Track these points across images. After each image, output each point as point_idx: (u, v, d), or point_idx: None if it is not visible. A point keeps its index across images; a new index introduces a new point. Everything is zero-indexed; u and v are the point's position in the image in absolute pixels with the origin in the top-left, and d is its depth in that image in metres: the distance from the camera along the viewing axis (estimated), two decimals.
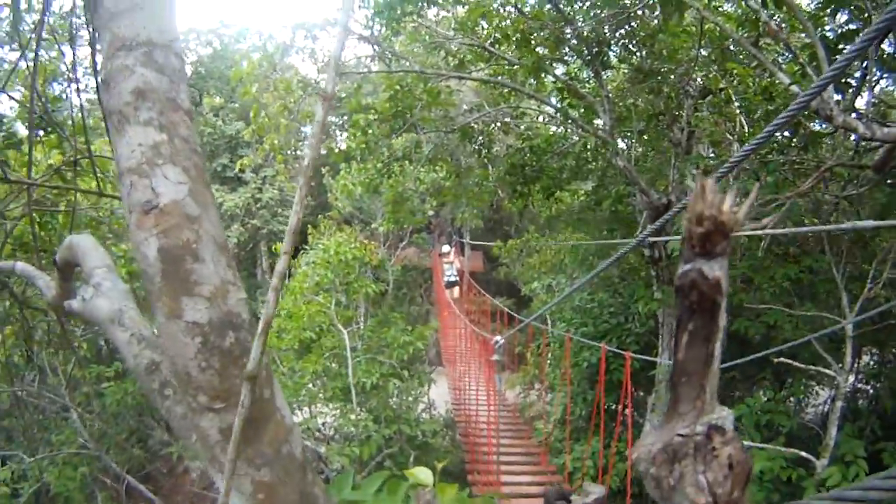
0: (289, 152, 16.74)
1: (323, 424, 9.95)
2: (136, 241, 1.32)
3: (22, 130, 5.42)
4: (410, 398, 9.93)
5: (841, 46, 5.51)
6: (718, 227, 0.70)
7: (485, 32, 8.40)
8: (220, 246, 1.33)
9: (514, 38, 7.51)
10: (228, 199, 21.94)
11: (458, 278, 18.60)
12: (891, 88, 8.94)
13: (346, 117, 13.77)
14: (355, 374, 9.01)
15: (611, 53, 8.55)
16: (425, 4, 8.33)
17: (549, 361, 11.52)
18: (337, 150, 10.44)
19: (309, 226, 16.27)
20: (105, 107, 1.49)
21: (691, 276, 0.70)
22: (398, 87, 8.43)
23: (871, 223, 2.81)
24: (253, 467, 1.28)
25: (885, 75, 6.15)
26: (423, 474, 2.28)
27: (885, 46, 5.46)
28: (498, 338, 6.69)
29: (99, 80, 1.63)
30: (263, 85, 8.79)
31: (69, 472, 7.73)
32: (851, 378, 7.99)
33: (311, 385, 9.87)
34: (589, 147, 9.71)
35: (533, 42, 7.47)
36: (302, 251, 13.77)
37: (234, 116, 23.15)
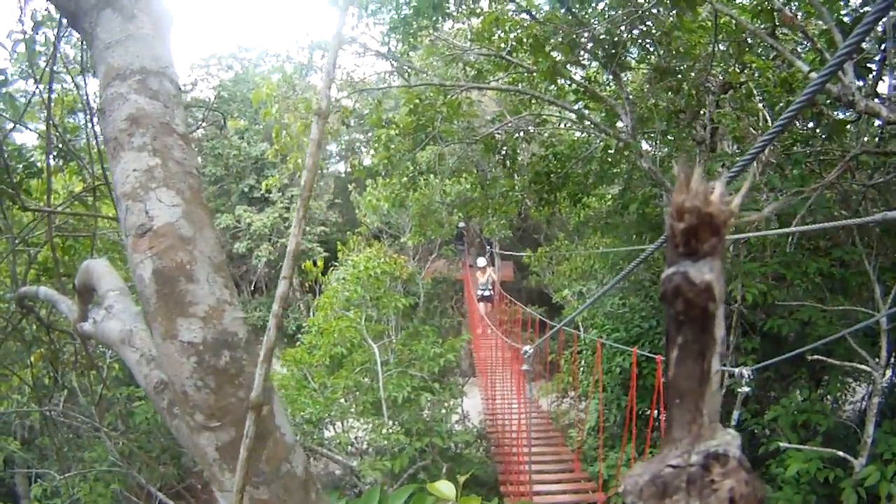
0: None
1: (356, 439, 10.00)
2: (133, 265, 1.34)
3: (43, 160, 5.62)
4: (442, 410, 9.90)
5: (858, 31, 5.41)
6: (705, 221, 0.60)
7: (501, 41, 8.42)
8: (216, 266, 1.34)
9: (527, 44, 7.49)
10: (256, 219, 22.25)
11: (491, 292, 18.42)
12: None
13: (370, 134, 13.89)
14: (386, 388, 9.04)
15: (628, 54, 8.50)
16: (440, 18, 8.39)
17: (581, 368, 11.41)
18: (359, 167, 10.50)
19: (338, 242, 16.39)
20: (103, 135, 1.53)
21: (675, 282, 0.60)
22: (417, 101, 8.48)
23: None
24: (251, 486, 1.27)
25: None
26: (445, 488, 2.26)
27: None
28: (527, 347, 6.64)
29: (96, 109, 1.67)
30: (284, 105, 8.89)
31: (100, 489, 7.87)
32: (889, 373, 7.78)
33: (342, 400, 9.92)
34: (612, 150, 9.64)
35: (547, 47, 7.44)
36: (332, 267, 13.89)
37: (258, 138, 23.52)
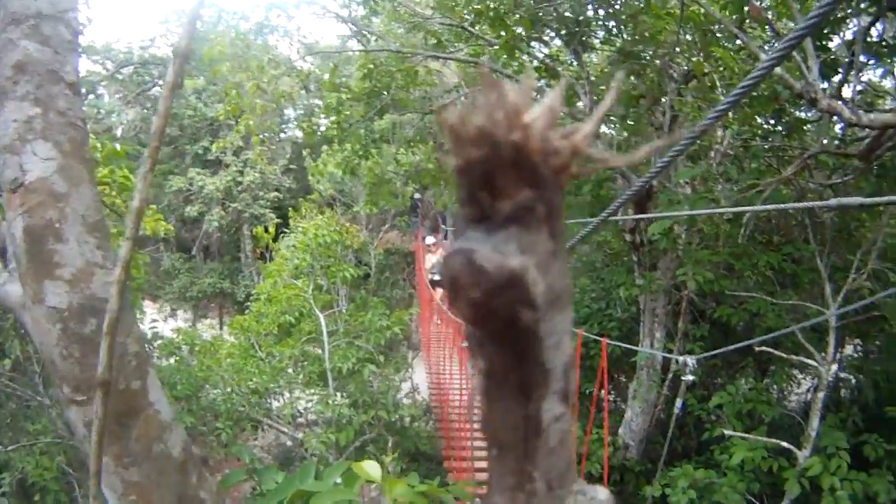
0: (269, 134, 16.55)
1: (303, 410, 9.93)
2: (7, 222, 1.23)
3: None
4: (388, 383, 9.87)
5: (826, 32, 5.43)
6: (510, 157, 0.34)
7: (462, 11, 8.27)
8: (90, 225, 1.22)
9: (487, 16, 7.38)
10: (209, 182, 21.77)
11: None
12: (878, 79, 8.87)
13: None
14: (332, 359, 8.95)
15: (592, 35, 8.43)
16: None
17: None
18: (310, 131, 10.26)
19: (290, 209, 16.12)
20: None
21: (452, 268, 0.35)
22: (372, 66, 8.29)
23: (857, 199, 2.72)
24: (121, 466, 1.16)
25: (871, 62, 6.07)
26: (371, 468, 2.21)
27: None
28: None
29: None
30: (236, 65, 8.62)
31: (46, 462, 7.63)
32: (834, 367, 7.98)
33: (290, 370, 9.83)
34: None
35: (509, 21, 7.33)
36: (283, 234, 13.67)
37: (215, 99, 22.93)
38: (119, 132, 23.58)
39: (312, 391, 9.28)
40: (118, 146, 5.95)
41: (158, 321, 13.36)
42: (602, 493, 0.49)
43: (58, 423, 7.50)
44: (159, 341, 9.54)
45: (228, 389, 8.65)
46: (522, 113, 0.35)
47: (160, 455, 1.25)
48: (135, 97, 23.49)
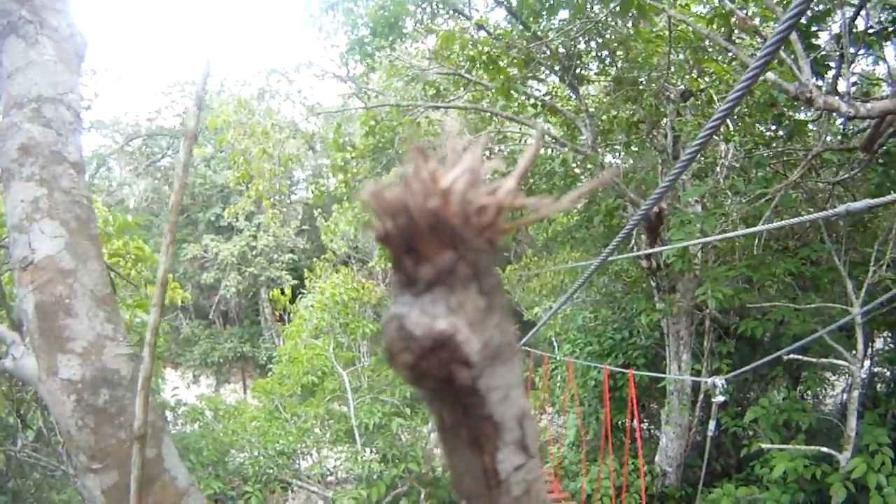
0: (279, 198, 16.74)
1: (332, 468, 9.84)
2: (19, 299, 1.25)
3: None
4: (416, 435, 9.77)
5: (814, 29, 5.46)
6: (429, 224, 0.35)
7: (457, 59, 8.41)
8: (99, 299, 1.24)
9: (481, 61, 7.49)
10: (224, 248, 22.01)
11: None
12: (871, 67, 8.90)
13: None
14: (358, 416, 8.89)
15: (586, 67, 8.53)
16: (396, 38, 8.36)
17: (557, 384, 11.36)
18: (319, 192, 10.40)
19: (305, 269, 16.23)
20: None
21: (388, 333, 0.36)
22: (373, 122, 8.42)
23: (865, 202, 2.69)
24: None
25: (861, 53, 6.09)
26: None
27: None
28: None
29: None
30: (240, 131, 8.78)
31: None
32: (867, 363, 7.81)
33: (316, 429, 9.76)
34: (574, 164, 9.66)
35: (503, 63, 7.43)
36: (300, 295, 13.73)
37: (224, 165, 23.33)
38: (131, 203, 24.02)
39: (340, 448, 9.20)
40: (130, 218, 6.05)
41: (181, 388, 13.37)
42: None
43: (83, 492, 7.45)
44: (183, 408, 9.53)
45: (255, 452, 8.61)
46: (439, 179, 0.35)
47: None
48: (145, 169, 23.98)
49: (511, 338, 0.38)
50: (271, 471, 8.58)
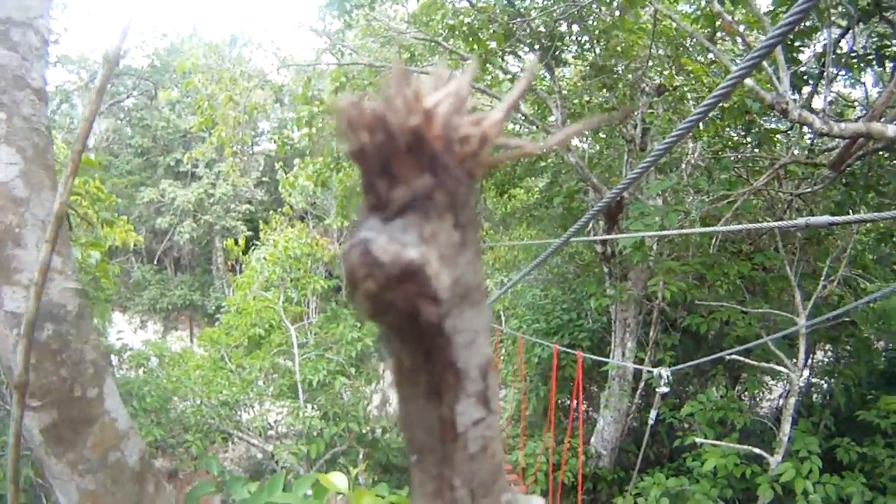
0: (241, 147, 16.44)
1: (273, 422, 9.85)
2: None
3: None
4: (359, 395, 9.82)
5: (798, 45, 5.54)
6: (406, 142, 0.33)
7: (436, 26, 8.32)
8: None
9: (461, 31, 7.43)
10: (181, 194, 21.62)
11: None
12: (848, 91, 9.08)
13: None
14: (302, 371, 8.89)
15: (565, 50, 8.52)
16: None
17: (502, 358, 11.51)
18: (282, 144, 10.23)
19: (261, 221, 16.04)
20: None
21: (350, 259, 0.33)
22: (344, 79, 8.30)
23: (826, 218, 2.75)
24: (76, 473, 1.15)
25: (841, 73, 6.21)
26: (338, 480, 2.21)
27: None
28: None
29: None
30: (208, 76, 8.58)
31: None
32: (806, 373, 8.07)
33: (260, 382, 9.75)
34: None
35: (483, 35, 7.38)
36: (253, 246, 13.59)
37: (189, 110, 22.80)
38: (91, 142, 23.36)
39: (283, 403, 9.21)
40: (92, 156, 5.90)
41: (127, 332, 13.16)
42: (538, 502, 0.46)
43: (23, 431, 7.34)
44: (128, 352, 9.40)
45: (198, 401, 8.55)
46: (422, 98, 0.33)
47: (116, 464, 1.23)
48: (108, 108, 23.27)
49: (482, 279, 0.36)
50: (213, 421, 8.54)
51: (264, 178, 23.60)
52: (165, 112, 23.04)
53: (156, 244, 23.47)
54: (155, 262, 23.97)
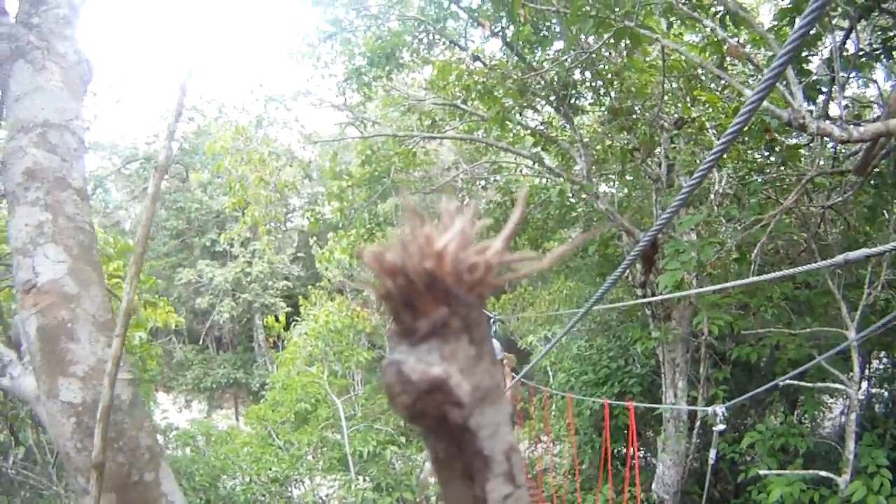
0: (275, 224, 16.77)
1: (325, 496, 9.75)
2: (21, 321, 1.27)
3: None
4: (411, 464, 9.70)
5: (805, 55, 5.53)
6: (424, 283, 0.40)
7: (453, 89, 8.51)
8: (101, 325, 1.26)
9: (476, 91, 7.58)
10: (218, 273, 22.00)
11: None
12: (861, 91, 9.00)
13: None
14: (352, 444, 8.83)
15: (580, 97, 8.62)
16: (393, 68, 8.46)
17: (553, 413, 11.32)
18: (314, 220, 10.43)
19: (300, 297, 16.20)
20: (4, 188, 1.47)
21: (387, 377, 0.40)
22: (370, 152, 8.49)
23: (863, 252, 2.71)
24: None
25: (852, 76, 6.17)
26: None
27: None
28: None
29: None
30: (237, 158, 8.84)
31: None
32: (864, 385, 7.78)
33: (309, 457, 9.69)
34: (570, 194, 9.72)
35: (498, 93, 7.52)
36: (293, 322, 13.71)
37: (221, 191, 23.41)
38: (127, 226, 24.07)
39: (334, 477, 9.12)
40: (131, 242, 6.08)
41: (171, 412, 13.24)
42: None
43: None
44: (174, 432, 9.46)
45: (247, 479, 8.52)
46: (433, 242, 0.40)
47: None
48: (141, 192, 24.06)
49: (499, 381, 0.42)
50: (264, 498, 8.50)
51: (300, 254, 23.93)
52: (198, 194, 23.69)
53: (196, 324, 23.79)
54: (197, 343, 24.25)
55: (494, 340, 7.48)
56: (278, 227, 21.65)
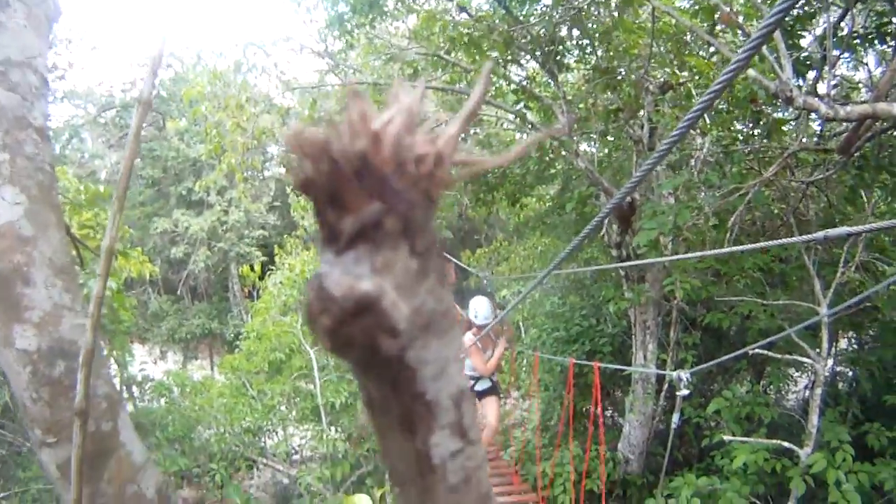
0: (252, 172, 16.54)
1: (297, 447, 9.84)
2: None
3: None
4: None
5: (798, 29, 5.50)
6: (354, 170, 0.31)
7: (437, 40, 8.36)
8: (58, 269, 1.21)
9: (462, 43, 7.45)
10: (194, 223, 21.77)
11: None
12: (851, 72, 8.99)
13: None
14: (324, 394, 8.87)
15: (567, 54, 8.51)
16: (377, 16, 8.28)
17: (523, 368, 11.44)
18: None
19: (276, 246, 16.09)
20: None
21: (310, 292, 0.32)
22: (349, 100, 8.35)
23: (843, 229, 2.71)
24: None
25: (845, 56, 6.15)
26: (363, 501, 2.21)
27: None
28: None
29: None
30: (214, 104, 8.66)
31: None
32: (830, 362, 7.95)
33: (282, 407, 9.74)
34: (550, 150, 9.65)
35: (484, 45, 7.40)
36: (269, 271, 13.64)
37: (198, 139, 23.03)
38: (103, 175, 23.62)
39: (306, 427, 9.20)
40: (102, 188, 5.95)
41: (148, 363, 13.22)
42: None
43: (41, 466, 7.38)
44: (150, 383, 9.44)
45: (221, 429, 8.56)
46: (369, 119, 0.32)
47: (134, 496, 1.22)
48: (118, 140, 23.57)
49: (449, 307, 0.34)
50: (237, 448, 8.55)
51: (276, 203, 23.71)
52: (175, 142, 23.26)
53: (172, 274, 23.62)
54: (171, 293, 24.12)
55: (487, 301, 7.05)
56: (255, 176, 21.38)
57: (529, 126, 8.90)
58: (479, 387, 7.25)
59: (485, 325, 6.34)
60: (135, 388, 9.09)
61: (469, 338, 6.64)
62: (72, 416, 1.08)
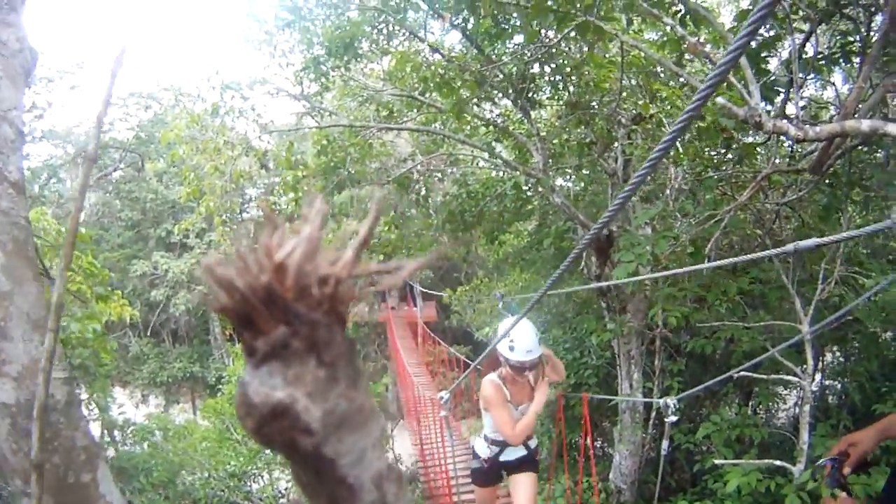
0: (230, 215, 16.53)
1: (284, 490, 9.71)
2: None
3: None
4: None
5: (764, 55, 5.64)
6: (262, 300, 0.36)
7: (411, 80, 8.47)
8: (35, 322, 1.23)
9: (434, 82, 7.56)
10: (174, 265, 21.66)
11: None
12: (818, 92, 9.21)
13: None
14: None
15: (538, 91, 8.65)
16: (352, 58, 8.38)
17: None
18: (269, 209, 10.28)
19: None
20: None
21: (237, 396, 0.37)
22: (325, 142, 8.43)
23: (813, 241, 2.76)
24: None
25: (811, 78, 6.30)
26: None
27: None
28: (443, 393, 6.32)
29: None
30: (192, 147, 8.69)
31: None
32: (818, 377, 7.98)
33: (267, 452, 9.62)
34: (527, 187, 9.75)
35: (456, 84, 7.51)
36: None
37: (176, 181, 23.03)
38: (82, 216, 23.43)
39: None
40: (83, 230, 5.93)
41: (128, 407, 13.03)
42: None
43: None
44: (131, 427, 9.30)
45: (206, 474, 8.44)
46: (273, 253, 0.37)
47: None
48: (96, 181, 23.46)
49: (363, 404, 0.39)
50: (222, 493, 8.42)
51: (255, 245, 23.58)
52: (153, 184, 23.26)
53: (152, 317, 23.38)
54: (152, 336, 23.85)
55: (530, 327, 4.54)
56: (234, 218, 21.37)
57: (504, 163, 9.01)
58: (507, 456, 4.77)
59: (524, 365, 4.38)
60: (116, 432, 8.95)
61: (493, 383, 4.55)
62: (52, 468, 1.10)
